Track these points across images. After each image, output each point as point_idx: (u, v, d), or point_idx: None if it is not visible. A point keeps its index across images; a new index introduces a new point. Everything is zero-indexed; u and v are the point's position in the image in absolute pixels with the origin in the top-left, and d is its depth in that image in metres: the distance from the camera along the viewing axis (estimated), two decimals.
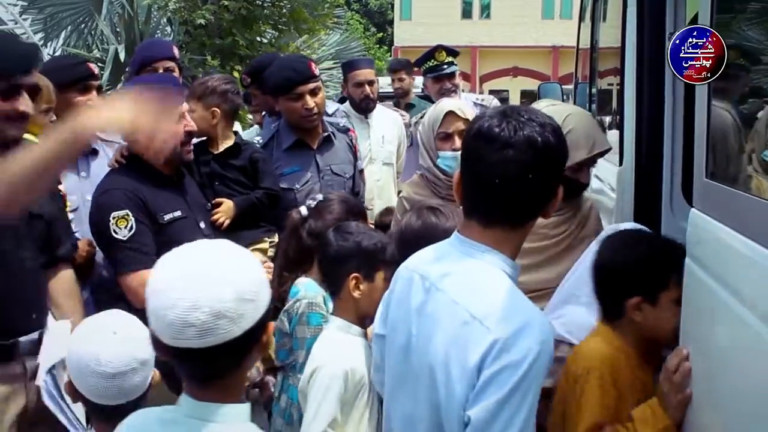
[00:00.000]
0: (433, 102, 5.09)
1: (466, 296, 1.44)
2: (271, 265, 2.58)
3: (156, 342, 1.32)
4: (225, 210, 2.90)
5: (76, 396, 1.78)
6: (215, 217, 2.85)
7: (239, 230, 2.86)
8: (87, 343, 1.73)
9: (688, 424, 1.65)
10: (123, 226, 2.34)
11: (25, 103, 2.07)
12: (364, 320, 2.12)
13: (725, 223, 1.45)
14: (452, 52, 4.58)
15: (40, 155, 1.74)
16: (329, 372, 1.97)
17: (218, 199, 2.93)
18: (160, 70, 3.24)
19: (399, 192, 3.41)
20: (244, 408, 1.37)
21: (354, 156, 3.47)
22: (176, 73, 3.31)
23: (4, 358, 2.10)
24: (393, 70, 5.27)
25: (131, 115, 1.72)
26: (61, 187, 2.78)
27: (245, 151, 3.08)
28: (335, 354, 2.01)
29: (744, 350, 1.37)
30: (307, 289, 2.28)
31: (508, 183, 1.42)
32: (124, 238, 2.34)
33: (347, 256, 2.10)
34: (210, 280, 1.26)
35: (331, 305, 2.34)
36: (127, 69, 3.22)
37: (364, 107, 4.31)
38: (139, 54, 3.46)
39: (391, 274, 2.08)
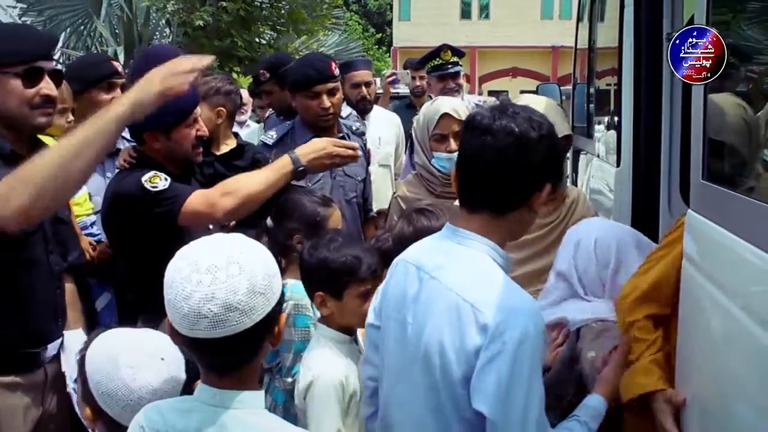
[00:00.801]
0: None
1: (458, 282, 1.49)
2: None
3: (173, 332, 1.35)
4: None
5: (98, 422, 1.62)
6: None
7: (245, 229, 2.85)
8: (137, 373, 1.56)
9: (686, 425, 1.65)
10: (157, 180, 2.28)
11: (48, 87, 2.04)
12: (349, 328, 2.08)
13: (722, 225, 1.45)
14: (458, 52, 4.57)
15: (76, 138, 1.78)
16: (325, 384, 1.94)
17: None
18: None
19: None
20: (260, 394, 1.41)
21: (367, 160, 3.47)
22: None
23: (31, 367, 2.07)
24: (413, 68, 5.05)
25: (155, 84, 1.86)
26: (81, 190, 2.79)
27: (248, 152, 3.09)
28: (328, 365, 1.98)
29: (739, 351, 1.36)
30: (294, 290, 2.26)
31: (486, 168, 1.50)
32: (165, 187, 2.26)
33: (312, 273, 2.06)
34: (224, 273, 1.29)
35: None
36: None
37: (361, 108, 4.29)
38: (150, 61, 3.42)
39: (368, 287, 2.00)
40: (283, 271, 2.32)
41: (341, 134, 3.27)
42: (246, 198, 2.23)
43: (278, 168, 2.33)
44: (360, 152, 3.37)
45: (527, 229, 1.64)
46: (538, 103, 2.42)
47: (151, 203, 2.26)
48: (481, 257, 1.51)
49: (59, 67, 2.50)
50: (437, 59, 4.48)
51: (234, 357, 1.36)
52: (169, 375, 1.59)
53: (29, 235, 2.04)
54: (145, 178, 2.29)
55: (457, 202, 1.62)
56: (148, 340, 1.66)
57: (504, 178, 1.50)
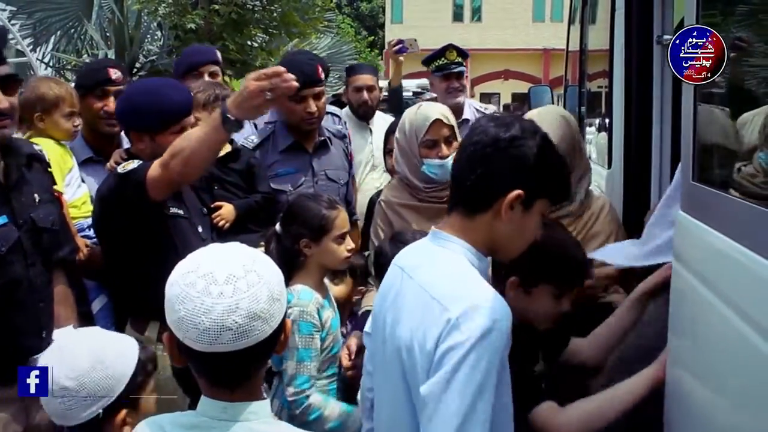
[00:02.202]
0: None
1: (429, 280, 1.49)
2: None
3: (183, 350, 1.29)
4: (226, 213, 2.92)
5: None
6: (217, 219, 2.86)
7: (237, 234, 2.85)
8: (56, 352, 1.69)
9: (677, 423, 1.66)
10: (129, 166, 2.34)
11: None
12: None
13: (711, 226, 1.46)
14: (462, 52, 4.54)
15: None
16: None
17: (218, 203, 2.93)
18: (206, 75, 3.42)
19: None
20: (267, 403, 1.38)
21: (349, 163, 3.46)
22: (219, 78, 3.51)
23: (12, 380, 1.97)
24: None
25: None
26: (82, 189, 2.80)
27: (243, 155, 3.09)
28: None
29: (729, 352, 1.37)
30: (301, 296, 2.26)
31: (459, 165, 1.56)
32: (137, 165, 2.33)
33: None
34: (244, 282, 1.26)
35: (325, 314, 2.30)
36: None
37: (362, 114, 4.23)
38: (184, 60, 3.64)
39: None
40: (291, 277, 2.32)
41: (322, 137, 3.28)
42: (189, 157, 2.23)
43: (210, 122, 2.26)
44: (345, 155, 3.37)
45: (509, 243, 1.56)
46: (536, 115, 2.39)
47: (124, 183, 2.32)
48: (456, 257, 1.50)
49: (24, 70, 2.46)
50: (442, 59, 4.46)
51: (247, 367, 1.31)
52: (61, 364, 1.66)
53: (7, 254, 1.99)
54: (119, 167, 2.37)
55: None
56: (97, 335, 1.76)
57: (470, 174, 1.51)
